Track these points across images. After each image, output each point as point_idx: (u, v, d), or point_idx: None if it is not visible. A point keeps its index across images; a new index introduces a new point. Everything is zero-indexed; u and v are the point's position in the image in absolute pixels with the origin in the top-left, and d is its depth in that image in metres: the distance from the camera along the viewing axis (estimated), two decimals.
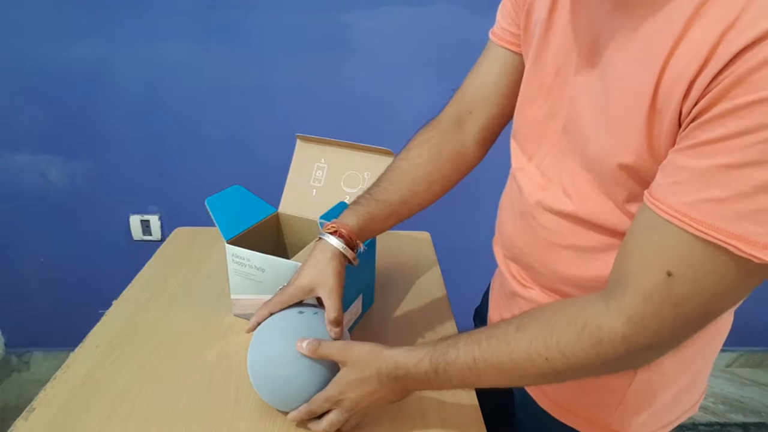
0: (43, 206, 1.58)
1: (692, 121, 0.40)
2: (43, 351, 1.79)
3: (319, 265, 0.63)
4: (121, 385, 0.69)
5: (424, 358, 0.54)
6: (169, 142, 1.52)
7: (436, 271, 1.00)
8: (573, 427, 0.64)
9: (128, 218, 1.61)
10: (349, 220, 0.67)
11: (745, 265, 0.39)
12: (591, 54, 0.51)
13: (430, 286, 0.95)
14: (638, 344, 0.45)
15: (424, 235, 1.13)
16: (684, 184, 0.41)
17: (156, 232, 1.63)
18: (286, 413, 0.65)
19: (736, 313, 0.60)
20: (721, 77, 0.38)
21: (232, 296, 0.81)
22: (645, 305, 0.44)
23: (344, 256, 0.65)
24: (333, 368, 0.62)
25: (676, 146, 0.42)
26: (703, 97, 0.39)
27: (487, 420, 0.66)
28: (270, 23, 1.39)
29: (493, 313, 0.79)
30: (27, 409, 0.65)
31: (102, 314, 0.84)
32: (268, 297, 0.67)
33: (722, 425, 1.68)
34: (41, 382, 0.69)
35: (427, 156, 0.71)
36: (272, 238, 0.89)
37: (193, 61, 1.42)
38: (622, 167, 0.48)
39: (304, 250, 0.75)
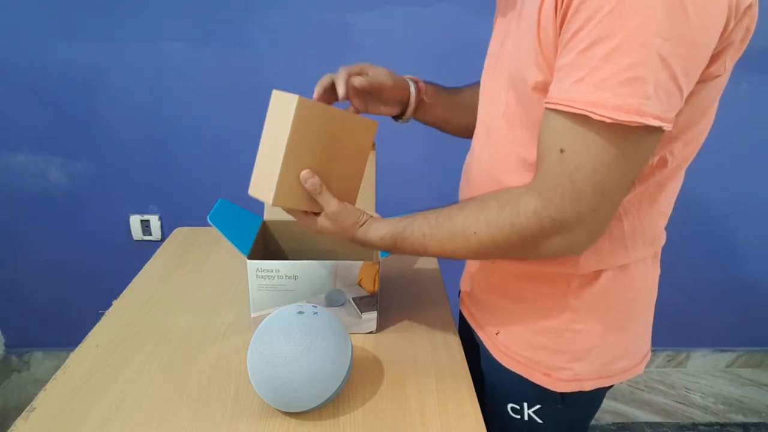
0: (43, 206, 1.58)
1: (561, 26, 0.49)
2: (43, 351, 1.79)
3: (393, 74, 0.80)
4: (121, 385, 0.69)
5: (386, 236, 0.65)
6: (170, 142, 1.52)
7: (436, 270, 1.00)
8: (520, 374, 0.71)
9: (128, 218, 1.61)
10: (429, 86, 0.82)
11: (606, 128, 0.47)
12: (513, 8, 0.61)
13: (429, 284, 0.95)
14: (547, 218, 0.53)
15: None
16: (561, 79, 0.49)
17: (156, 232, 1.63)
18: (286, 413, 0.65)
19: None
20: None
21: (253, 315, 0.76)
22: (547, 179, 0.52)
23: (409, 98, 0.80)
24: (333, 367, 0.62)
25: (558, 54, 0.50)
26: (565, 7, 0.47)
27: None
28: (270, 23, 1.39)
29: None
30: (27, 409, 0.65)
31: (102, 314, 0.84)
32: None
33: (722, 425, 1.68)
34: (41, 382, 0.69)
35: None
36: (261, 248, 0.85)
37: (193, 61, 1.42)
38: (535, 87, 0.55)
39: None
